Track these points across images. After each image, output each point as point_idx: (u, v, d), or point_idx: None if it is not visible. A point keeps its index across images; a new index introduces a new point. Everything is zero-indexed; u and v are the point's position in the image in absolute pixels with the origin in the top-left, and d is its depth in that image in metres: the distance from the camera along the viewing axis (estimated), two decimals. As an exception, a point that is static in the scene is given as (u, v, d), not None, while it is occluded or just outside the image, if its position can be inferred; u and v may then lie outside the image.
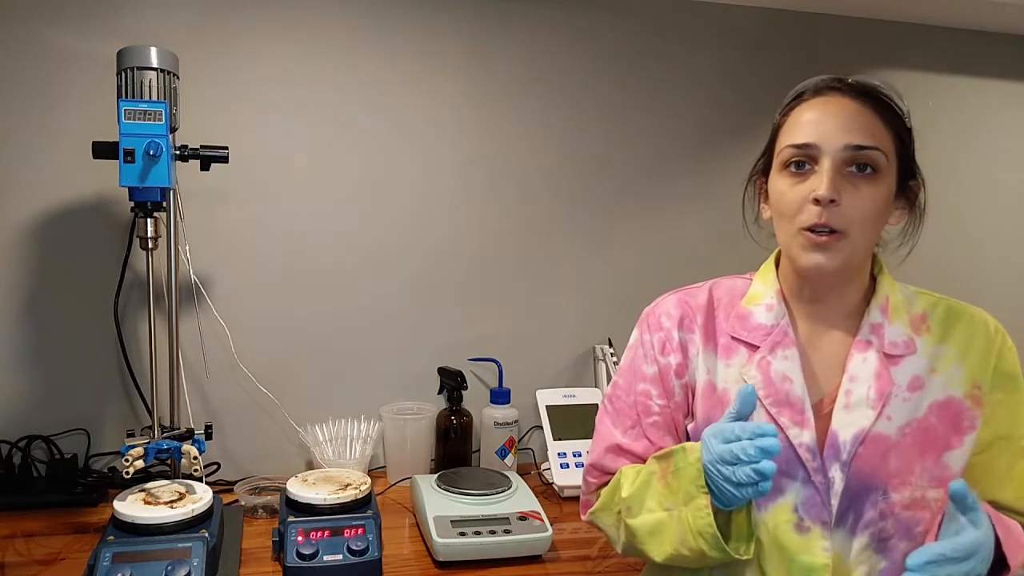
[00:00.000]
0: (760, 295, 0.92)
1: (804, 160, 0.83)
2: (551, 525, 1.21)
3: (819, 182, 0.80)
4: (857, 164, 0.81)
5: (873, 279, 0.90)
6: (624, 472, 0.92)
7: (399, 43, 1.57)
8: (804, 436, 0.83)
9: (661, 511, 0.83)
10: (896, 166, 0.83)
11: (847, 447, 0.82)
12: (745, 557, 0.79)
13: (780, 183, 0.85)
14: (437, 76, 1.60)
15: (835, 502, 0.82)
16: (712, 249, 1.72)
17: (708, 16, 1.74)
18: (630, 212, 1.73)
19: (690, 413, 0.93)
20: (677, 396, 0.92)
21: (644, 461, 0.92)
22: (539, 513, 1.23)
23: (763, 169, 0.91)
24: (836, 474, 0.82)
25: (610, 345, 1.69)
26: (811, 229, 0.81)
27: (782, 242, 0.87)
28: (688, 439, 0.93)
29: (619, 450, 0.94)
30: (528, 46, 1.64)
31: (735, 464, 0.75)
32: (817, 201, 0.80)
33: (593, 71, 1.69)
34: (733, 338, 0.91)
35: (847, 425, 0.83)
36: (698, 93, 1.75)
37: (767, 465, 0.73)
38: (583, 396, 1.60)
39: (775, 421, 0.85)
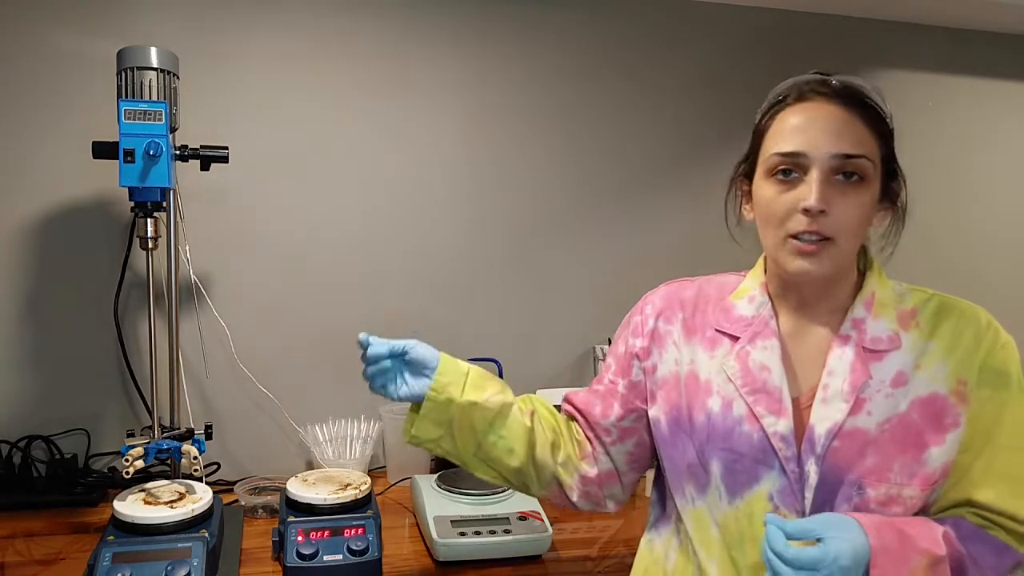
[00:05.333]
0: (746, 289, 0.93)
1: (791, 168, 0.82)
2: (551, 525, 1.21)
3: (808, 191, 0.80)
4: (845, 172, 0.80)
5: (862, 275, 0.90)
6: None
7: (399, 46, 1.57)
8: (779, 425, 0.84)
9: None
10: (881, 169, 0.83)
11: (821, 441, 0.82)
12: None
13: (766, 190, 0.85)
14: (437, 78, 1.60)
15: (810, 495, 0.82)
16: (713, 248, 1.70)
17: (707, 15, 1.74)
18: (630, 211, 1.73)
19: (649, 399, 0.95)
20: (634, 377, 0.96)
21: (576, 410, 1.01)
22: (539, 513, 1.23)
23: (746, 172, 0.91)
24: (811, 467, 0.82)
25: (610, 345, 1.69)
26: (798, 236, 0.81)
27: (768, 248, 0.87)
28: (649, 425, 0.96)
29: (569, 398, 1.03)
30: (529, 49, 1.64)
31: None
32: (806, 211, 0.80)
33: (591, 73, 1.69)
34: (717, 330, 0.92)
35: (823, 419, 0.83)
36: (700, 92, 1.75)
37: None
38: (583, 396, 1.60)
39: (751, 410, 0.85)
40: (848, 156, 0.80)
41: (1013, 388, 0.83)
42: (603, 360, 1.67)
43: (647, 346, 0.95)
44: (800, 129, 0.82)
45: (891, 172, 0.85)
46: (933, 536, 0.77)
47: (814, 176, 0.80)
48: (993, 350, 0.84)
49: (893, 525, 0.77)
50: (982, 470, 0.82)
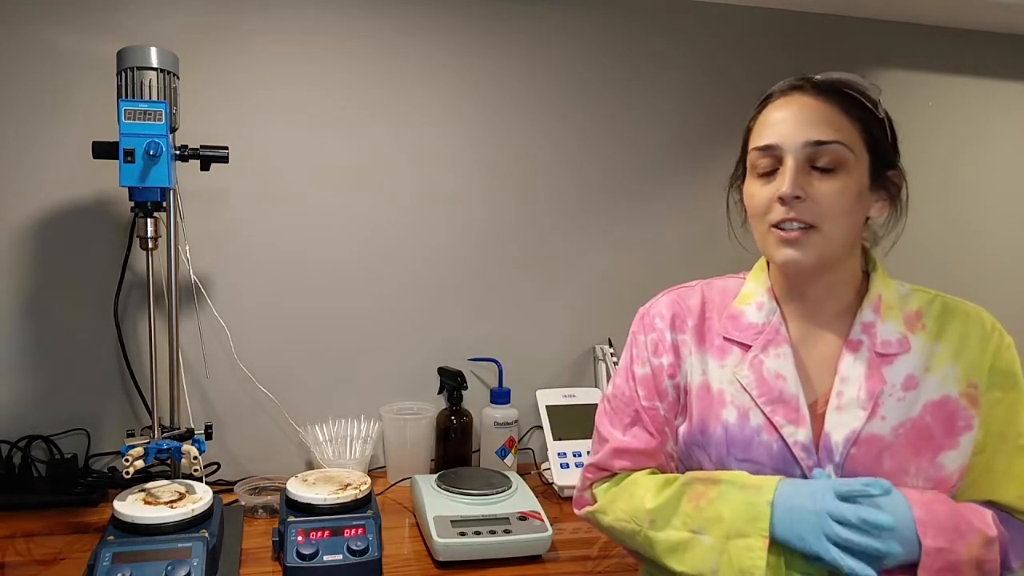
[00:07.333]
0: (751, 294, 0.93)
1: (771, 161, 0.84)
2: (551, 525, 1.21)
3: (783, 180, 0.81)
4: (821, 159, 0.81)
5: (867, 276, 0.90)
6: (640, 481, 0.91)
7: (399, 44, 1.57)
8: (799, 434, 0.83)
9: (686, 531, 0.84)
10: (868, 157, 0.83)
11: (839, 448, 0.82)
12: None
13: (751, 186, 0.87)
14: (436, 77, 1.60)
15: None
16: (714, 248, 1.71)
17: (708, 14, 1.74)
18: (630, 211, 1.73)
19: (681, 413, 0.93)
20: (670, 396, 0.93)
21: (646, 456, 0.93)
22: (539, 513, 1.23)
23: (743, 174, 0.92)
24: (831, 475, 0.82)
25: (610, 345, 1.69)
26: (780, 226, 0.82)
27: (758, 242, 0.88)
28: (678, 440, 0.93)
29: (621, 452, 0.94)
30: (528, 48, 1.64)
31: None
32: (781, 199, 0.81)
33: (592, 73, 1.69)
34: (726, 339, 0.91)
35: (839, 426, 0.83)
36: (701, 93, 1.75)
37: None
38: (583, 396, 1.60)
39: (769, 420, 0.85)
40: (820, 143, 0.81)
41: (1022, 388, 0.85)
42: (602, 360, 1.68)
43: (674, 361, 0.93)
44: (777, 123, 0.84)
45: (885, 161, 0.85)
46: (984, 518, 0.79)
47: (788, 165, 0.82)
48: (1000, 352, 0.85)
49: (947, 501, 0.79)
50: (1001, 472, 0.83)
